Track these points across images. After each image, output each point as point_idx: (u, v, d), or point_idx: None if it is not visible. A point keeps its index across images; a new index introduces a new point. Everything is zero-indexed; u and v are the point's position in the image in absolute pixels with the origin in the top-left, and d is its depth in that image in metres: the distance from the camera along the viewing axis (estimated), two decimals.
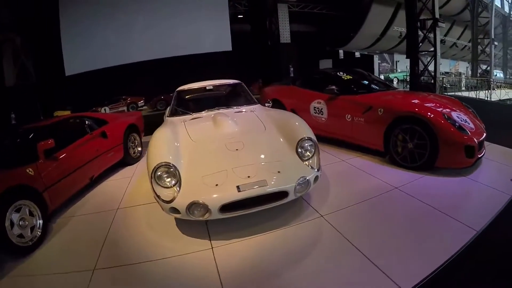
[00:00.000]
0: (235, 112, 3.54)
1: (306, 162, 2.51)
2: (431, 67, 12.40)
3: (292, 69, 10.63)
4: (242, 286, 1.81)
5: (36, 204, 2.49)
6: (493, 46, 16.33)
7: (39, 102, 8.34)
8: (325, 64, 19.22)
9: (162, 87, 11.91)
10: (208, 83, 4.23)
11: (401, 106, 3.59)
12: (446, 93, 12.40)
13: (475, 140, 3.16)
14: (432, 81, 12.50)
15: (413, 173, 3.29)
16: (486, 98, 12.15)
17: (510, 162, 3.54)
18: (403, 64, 26.28)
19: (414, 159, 3.39)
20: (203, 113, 3.57)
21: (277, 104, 5.09)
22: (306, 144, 2.60)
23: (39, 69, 9.05)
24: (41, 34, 8.87)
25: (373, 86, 4.66)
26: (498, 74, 22.35)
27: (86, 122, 3.98)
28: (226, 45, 10.64)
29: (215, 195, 2.15)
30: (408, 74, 15.70)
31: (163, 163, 2.32)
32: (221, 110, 3.59)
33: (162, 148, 2.56)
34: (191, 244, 2.28)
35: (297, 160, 2.51)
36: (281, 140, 2.72)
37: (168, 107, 4.95)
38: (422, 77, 12.54)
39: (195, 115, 3.55)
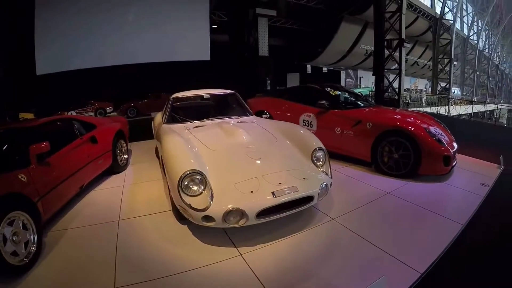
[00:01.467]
0: (238, 122, 3.70)
1: (321, 169, 2.80)
2: (395, 84, 13.80)
3: (269, 81, 11.15)
4: (284, 286, 1.94)
5: (30, 215, 2.24)
6: (452, 65, 18.49)
7: (5, 102, 7.77)
8: (293, 78, 20.05)
9: (133, 94, 11.75)
10: (204, 92, 4.34)
11: (388, 121, 4.11)
12: (409, 108, 13.71)
13: (451, 151, 3.78)
14: (396, 97, 13.89)
15: (399, 180, 3.79)
16: (446, 114, 13.66)
17: (476, 170, 4.27)
18: (366, 80, 28.36)
19: (399, 168, 3.89)
20: (205, 122, 3.67)
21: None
22: (318, 154, 2.90)
23: (7, 66, 8.43)
24: (12, 29, 8.37)
25: (358, 102, 5.23)
26: (456, 91, 25.21)
27: (75, 125, 3.79)
28: (204, 54, 10.80)
29: (253, 201, 2.24)
30: (372, 89, 17.21)
31: (191, 171, 2.31)
32: (223, 119, 3.74)
33: (184, 156, 2.54)
34: (217, 253, 2.28)
35: (314, 168, 2.79)
36: (295, 149, 2.97)
37: (157, 114, 5.01)
38: (387, 93, 13.87)
39: (196, 123, 3.63)
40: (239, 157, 2.71)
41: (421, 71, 29.07)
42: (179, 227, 2.67)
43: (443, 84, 19.29)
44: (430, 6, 19.40)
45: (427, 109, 14.52)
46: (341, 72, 26.57)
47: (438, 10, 19.20)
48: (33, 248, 2.22)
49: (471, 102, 14.52)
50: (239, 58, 12.01)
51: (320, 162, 2.88)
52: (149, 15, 9.92)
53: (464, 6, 23.21)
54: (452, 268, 2.14)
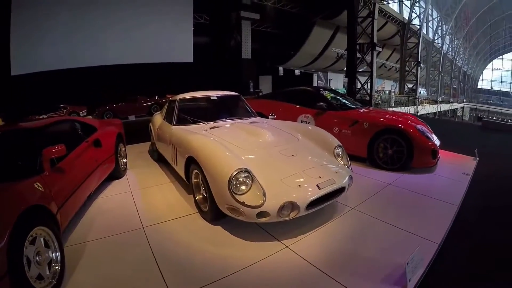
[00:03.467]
0: (250, 122, 3.91)
1: (343, 164, 3.12)
2: (366, 85, 14.90)
3: (252, 84, 11.52)
4: (339, 267, 2.17)
5: (51, 230, 2.02)
6: (419, 67, 20.24)
7: None
8: (265, 80, 20.58)
9: (108, 97, 11.34)
10: (211, 93, 4.46)
11: (383, 121, 4.62)
12: (382, 108, 14.83)
13: (437, 145, 4.41)
14: (368, 98, 14.99)
15: (395, 173, 4.29)
16: (416, 113, 14.96)
17: (456, 162, 4.95)
18: (336, 82, 29.81)
19: (394, 162, 4.43)
20: (219, 123, 3.80)
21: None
22: (338, 150, 3.22)
23: None
24: None
25: (350, 104, 5.77)
26: (422, 91, 27.52)
27: (78, 127, 3.67)
28: (187, 56, 10.88)
29: (302, 194, 2.43)
30: (344, 91, 18.34)
31: (238, 170, 2.39)
32: (236, 121, 3.92)
33: (227, 156, 2.61)
34: (263, 248, 2.39)
35: (338, 163, 3.08)
36: (318, 147, 3.25)
37: (156, 115, 5.11)
38: (359, 94, 14.92)
39: (210, 124, 3.74)
40: (274, 155, 2.88)
41: (388, 73, 31.19)
42: (212, 228, 2.74)
43: (410, 85, 21.03)
44: (398, 12, 21.13)
45: (397, 109, 15.81)
46: (314, 74, 27.73)
47: (406, 15, 20.98)
48: (58, 268, 2.00)
49: (436, 102, 16.07)
50: (221, 61, 12.27)
51: (341, 157, 3.20)
52: (131, 17, 9.80)
53: (430, 12, 25.36)
54: (459, 239, 2.66)
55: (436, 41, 29.81)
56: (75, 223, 2.87)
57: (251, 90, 11.59)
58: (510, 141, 7.27)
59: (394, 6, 20.72)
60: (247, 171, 2.43)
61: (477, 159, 4.99)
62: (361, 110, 5.27)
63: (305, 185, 2.52)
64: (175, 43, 10.65)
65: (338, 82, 30.35)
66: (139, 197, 3.59)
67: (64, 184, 2.54)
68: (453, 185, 3.92)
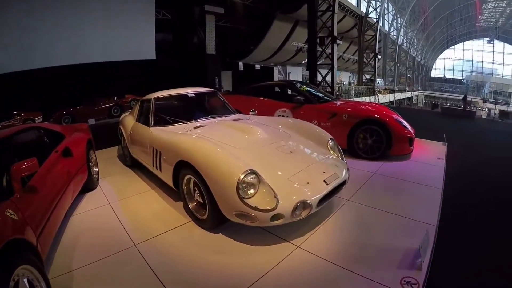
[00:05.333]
0: (233, 120, 3.75)
1: (338, 157, 3.11)
2: (328, 78, 15.41)
3: (217, 80, 11.25)
4: (354, 260, 2.18)
5: (35, 267, 1.68)
6: (376, 59, 21.30)
7: None
8: (226, 76, 20.38)
9: (62, 100, 10.41)
10: (188, 91, 4.20)
11: (362, 112, 4.76)
12: (347, 99, 15.39)
13: (413, 133, 4.61)
14: (329, 89, 15.50)
15: (376, 162, 4.45)
16: (377, 102, 15.77)
17: (428, 147, 5.29)
18: (295, 75, 30.46)
19: (374, 151, 4.57)
20: (202, 122, 3.61)
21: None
22: (331, 143, 3.21)
23: None
24: None
25: (325, 96, 5.84)
26: (380, 82, 29.09)
27: (45, 136, 3.24)
28: (149, 53, 10.26)
29: (313, 191, 2.37)
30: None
31: (245, 172, 2.24)
32: (219, 118, 3.75)
33: (230, 158, 2.45)
34: (274, 252, 2.30)
35: (334, 156, 3.06)
36: (312, 142, 3.19)
37: (125, 117, 4.72)
38: (320, 86, 15.36)
39: (191, 123, 3.54)
40: (272, 153, 2.77)
41: (345, 65, 32.44)
42: (213, 237, 2.56)
43: (368, 76, 22.10)
44: (356, 5, 21.98)
45: (358, 99, 16.55)
46: (275, 68, 27.97)
47: (363, 9, 21.92)
48: None
49: (393, 91, 17.10)
50: (185, 57, 11.82)
51: (334, 150, 3.19)
52: (88, 12, 9.00)
53: (386, 5, 26.72)
54: (453, 219, 2.90)
55: (391, 33, 31.66)
56: (53, 249, 2.45)
57: (217, 86, 11.34)
58: (468, 124, 7.96)
59: (352, 0, 21.54)
60: (253, 172, 2.28)
61: (446, 143, 5.32)
62: (338, 103, 5.36)
63: (313, 182, 2.47)
64: (136, 39, 9.95)
65: (297, 75, 30.92)
66: (121, 210, 3.25)
67: (38, 205, 2.15)
68: (431, 170, 4.18)
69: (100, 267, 2.22)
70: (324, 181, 2.52)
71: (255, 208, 2.17)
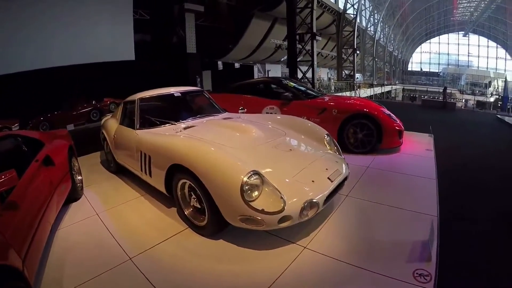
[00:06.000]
0: (224, 118, 3.62)
1: (335, 152, 3.05)
2: (308, 74, 15.50)
3: (199, 79, 10.99)
4: (365, 256, 2.14)
5: None
6: (355, 54, 21.62)
7: None
8: (205, 75, 20.15)
9: (39, 106, 9.95)
10: (173, 90, 4.00)
11: (352, 106, 4.77)
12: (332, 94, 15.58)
13: (402, 126, 4.64)
14: (310, 86, 15.60)
15: (367, 156, 4.46)
16: (359, 96, 16.03)
17: (416, 139, 5.40)
18: (274, 73, 30.56)
19: (364, 146, 4.57)
20: (191, 122, 3.46)
21: None
22: (328, 139, 3.14)
23: None
24: None
25: (312, 92, 5.80)
26: (359, 77, 29.66)
27: (22, 144, 2.97)
28: (128, 54, 9.85)
29: (319, 190, 2.30)
30: None
31: (249, 173, 2.11)
32: (208, 118, 3.61)
33: (231, 159, 2.30)
34: (281, 255, 2.21)
35: (332, 152, 3.00)
36: (308, 139, 3.11)
37: (107, 120, 4.47)
38: (302, 83, 15.42)
39: (180, 124, 3.38)
40: (271, 151, 2.66)
41: (324, 61, 32.80)
42: (214, 244, 2.41)
43: (347, 72, 22.43)
44: (334, 2, 22.20)
45: (339, 94, 16.77)
46: (254, 66, 27.88)
47: (340, 5, 22.17)
48: None
49: (372, 86, 17.44)
50: (165, 57, 11.49)
51: (331, 146, 3.13)
52: (65, 13, 8.50)
53: (363, 1, 27.21)
54: (452, 208, 2.99)
55: (369, 29, 32.30)
56: (41, 269, 2.21)
57: (199, 85, 11.09)
58: (449, 115, 8.20)
59: None
60: (257, 173, 2.15)
61: (432, 135, 5.42)
62: (326, 98, 5.33)
63: (318, 180, 2.40)
64: (114, 40, 9.50)
65: (276, 72, 30.95)
66: (110, 220, 3.03)
67: (21, 223, 1.91)
68: (422, 161, 4.25)
69: (95, 286, 2.02)
70: (328, 178, 2.46)
71: (262, 211, 2.05)
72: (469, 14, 41.26)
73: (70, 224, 3.01)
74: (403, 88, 34.24)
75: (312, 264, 2.10)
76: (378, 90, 20.01)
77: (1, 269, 1.41)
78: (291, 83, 5.65)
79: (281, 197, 2.12)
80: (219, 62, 21.86)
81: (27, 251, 1.79)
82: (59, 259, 2.38)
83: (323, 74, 37.05)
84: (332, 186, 2.42)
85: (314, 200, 2.23)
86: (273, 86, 5.72)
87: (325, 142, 3.13)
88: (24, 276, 1.60)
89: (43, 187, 2.61)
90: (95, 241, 2.62)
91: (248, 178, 2.10)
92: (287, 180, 2.31)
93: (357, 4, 23.01)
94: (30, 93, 9.45)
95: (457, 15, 42.24)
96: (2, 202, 1.87)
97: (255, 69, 28.77)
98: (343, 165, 2.80)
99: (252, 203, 2.07)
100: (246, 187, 2.08)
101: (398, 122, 4.66)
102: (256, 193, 2.12)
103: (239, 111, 4.35)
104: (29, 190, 2.31)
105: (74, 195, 3.60)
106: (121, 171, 4.22)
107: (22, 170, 2.42)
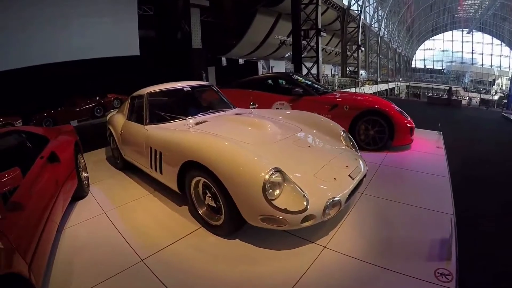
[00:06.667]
0: (236, 114, 3.51)
1: (351, 149, 2.95)
2: (313, 70, 15.34)
3: (204, 75, 10.85)
4: (385, 255, 2.08)
5: None
6: (359, 51, 21.40)
7: None
8: (209, 71, 20.06)
9: (42, 102, 9.88)
10: (182, 84, 3.87)
11: (364, 103, 4.64)
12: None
13: (413, 123, 4.52)
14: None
15: (378, 153, 4.35)
16: (370, 94, 15.90)
17: (425, 137, 5.27)
18: (278, 69, 30.42)
19: (376, 142, 4.47)
20: (202, 117, 3.36)
21: None
22: (345, 135, 3.04)
23: None
24: None
25: (323, 89, 5.68)
26: (363, 73, 29.48)
27: (27, 140, 2.88)
28: (133, 49, 9.73)
29: (341, 187, 2.21)
30: None
31: (271, 171, 2.00)
32: (219, 113, 3.51)
33: (251, 156, 2.19)
34: (301, 255, 2.13)
35: (349, 149, 2.91)
36: (325, 136, 3.01)
37: (113, 116, 4.36)
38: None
39: (191, 119, 3.25)
40: (290, 148, 2.56)
41: (328, 57, 32.60)
42: (230, 244, 2.31)
43: (351, 68, 22.22)
44: None
45: (348, 90, 16.61)
46: (259, 62, 27.69)
47: (345, 1, 21.91)
48: None
49: (376, 82, 17.27)
50: (169, 53, 11.35)
51: (347, 142, 3.03)
52: (69, 9, 8.37)
53: None
54: (468, 207, 2.94)
55: (373, 25, 32.03)
56: (48, 272, 2.09)
57: (204, 81, 10.97)
58: (455, 113, 8.09)
59: None
60: (278, 170, 2.04)
61: (441, 132, 5.30)
62: (337, 94, 5.21)
63: (340, 178, 2.31)
64: (118, 35, 9.36)
65: (280, 68, 30.80)
66: (118, 218, 2.92)
67: (26, 225, 1.79)
68: (434, 159, 4.16)
69: None
70: (349, 175, 2.37)
71: (285, 211, 1.94)
72: (473, 11, 40.81)
73: (77, 223, 2.90)
74: (408, 85, 34.02)
75: (334, 264, 2.03)
76: (382, 86, 19.82)
77: (6, 278, 1.31)
78: (301, 79, 5.53)
79: (304, 196, 2.02)
80: (223, 58, 21.74)
81: (33, 254, 1.68)
82: (67, 260, 2.28)
83: (327, 70, 36.84)
84: (353, 184, 2.33)
85: (337, 199, 2.13)
86: (283, 81, 5.61)
87: (341, 138, 3.02)
88: (31, 284, 1.49)
89: (49, 186, 2.50)
90: (103, 241, 2.52)
91: (269, 176, 1.99)
92: (309, 178, 2.21)
93: (361, 0, 22.72)
94: (31, 89, 9.36)
95: (462, 12, 41.80)
96: (6, 202, 1.76)
97: (260, 65, 28.65)
98: (361, 162, 2.70)
99: (274, 202, 1.96)
100: (268, 185, 1.97)
101: (409, 119, 4.54)
102: (277, 191, 2.02)
103: (250, 106, 4.25)
104: (34, 189, 2.19)
105: (81, 192, 3.48)
106: (127, 168, 4.12)
107: (27, 167, 2.32)
